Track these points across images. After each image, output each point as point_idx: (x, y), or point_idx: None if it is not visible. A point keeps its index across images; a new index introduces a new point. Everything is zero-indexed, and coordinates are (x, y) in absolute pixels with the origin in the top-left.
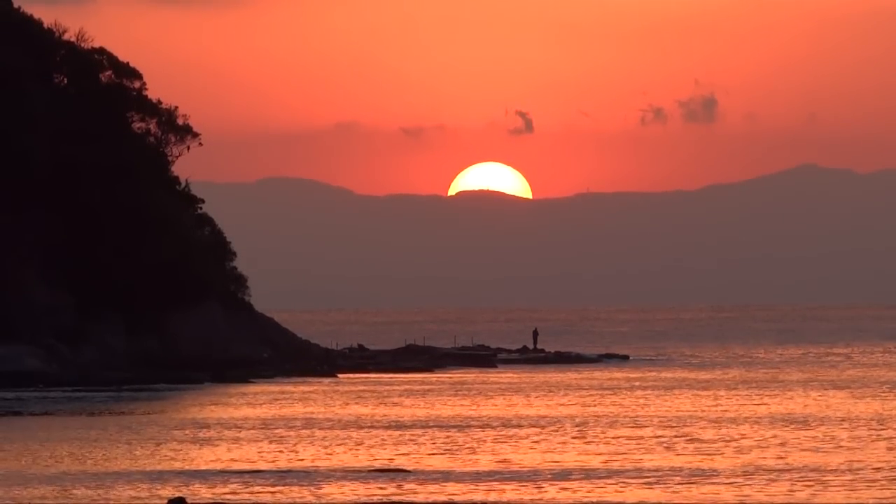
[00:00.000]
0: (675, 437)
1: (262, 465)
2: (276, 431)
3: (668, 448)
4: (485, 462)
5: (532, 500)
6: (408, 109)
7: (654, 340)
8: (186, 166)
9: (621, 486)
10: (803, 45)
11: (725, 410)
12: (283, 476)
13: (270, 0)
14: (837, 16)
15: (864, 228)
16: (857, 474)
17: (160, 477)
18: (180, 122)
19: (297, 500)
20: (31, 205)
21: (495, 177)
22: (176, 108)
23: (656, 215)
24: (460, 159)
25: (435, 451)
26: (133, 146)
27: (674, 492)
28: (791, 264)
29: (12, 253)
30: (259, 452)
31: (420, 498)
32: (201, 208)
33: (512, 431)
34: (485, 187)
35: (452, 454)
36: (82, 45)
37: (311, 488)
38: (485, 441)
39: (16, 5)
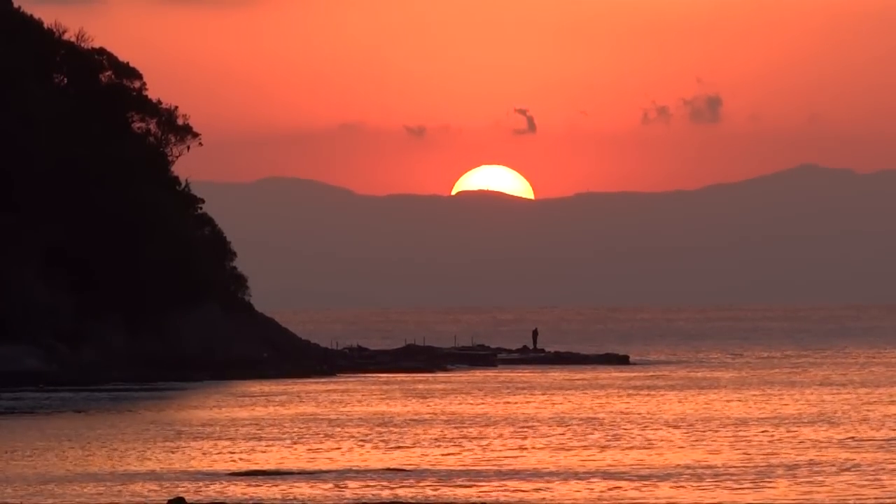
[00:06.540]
0: (681, 437)
1: (262, 465)
2: (276, 431)
3: (669, 449)
4: (485, 461)
5: (532, 499)
6: (412, 109)
7: (654, 341)
8: (186, 166)
9: (623, 486)
10: (804, 45)
11: (720, 410)
12: (283, 476)
13: (273, 0)
14: (839, 16)
15: (864, 228)
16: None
17: (160, 477)
18: (180, 122)
19: (297, 500)
20: (31, 205)
21: (497, 177)
22: (176, 108)
23: (656, 215)
24: (463, 159)
25: (436, 451)
26: (133, 146)
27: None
28: (791, 264)
29: (12, 253)
30: (259, 452)
31: (420, 498)
32: (201, 208)
33: (513, 430)
34: (486, 187)
35: (453, 454)
36: (82, 45)
37: (311, 488)
38: (485, 440)
39: (16, 5)
